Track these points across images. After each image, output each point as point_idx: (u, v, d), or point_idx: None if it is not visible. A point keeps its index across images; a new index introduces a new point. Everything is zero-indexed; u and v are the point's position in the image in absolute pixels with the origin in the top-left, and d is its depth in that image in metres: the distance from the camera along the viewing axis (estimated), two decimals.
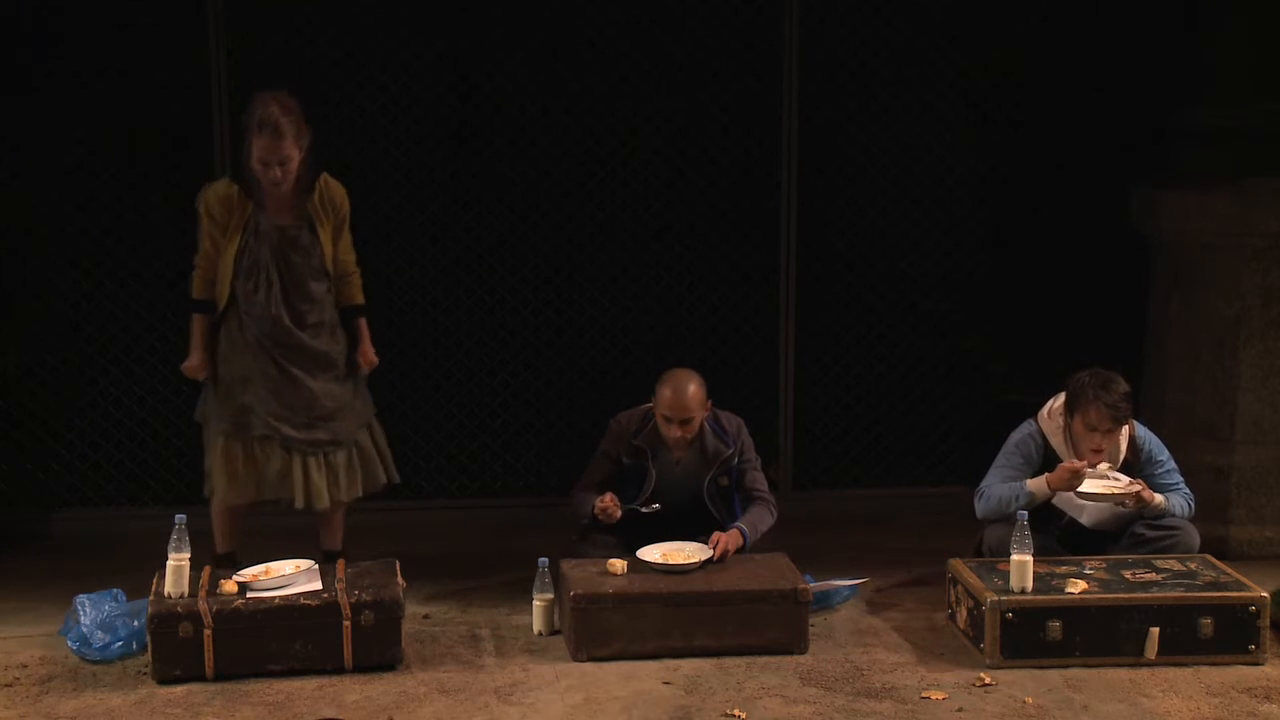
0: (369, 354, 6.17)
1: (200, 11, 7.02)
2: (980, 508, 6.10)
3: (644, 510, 6.02)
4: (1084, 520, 6.07)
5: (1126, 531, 6.06)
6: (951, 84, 7.67)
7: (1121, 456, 6.08)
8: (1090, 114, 7.64)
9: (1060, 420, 6.07)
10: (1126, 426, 6.06)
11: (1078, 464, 5.93)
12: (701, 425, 6.11)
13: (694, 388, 6.06)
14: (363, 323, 6.19)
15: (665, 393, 6.07)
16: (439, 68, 7.34)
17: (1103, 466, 6.00)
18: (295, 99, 5.96)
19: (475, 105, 7.41)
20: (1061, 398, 6.08)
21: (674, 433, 6.05)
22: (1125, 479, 5.99)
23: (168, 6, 7.10)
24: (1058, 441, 6.08)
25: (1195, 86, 7.05)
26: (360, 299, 6.19)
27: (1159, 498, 6.01)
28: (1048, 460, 6.08)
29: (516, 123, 7.44)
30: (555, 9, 7.35)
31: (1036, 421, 6.14)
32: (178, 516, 5.59)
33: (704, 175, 7.58)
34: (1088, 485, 5.95)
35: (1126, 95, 7.57)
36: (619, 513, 6.00)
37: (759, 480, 6.23)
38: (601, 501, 6.00)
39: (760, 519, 6.11)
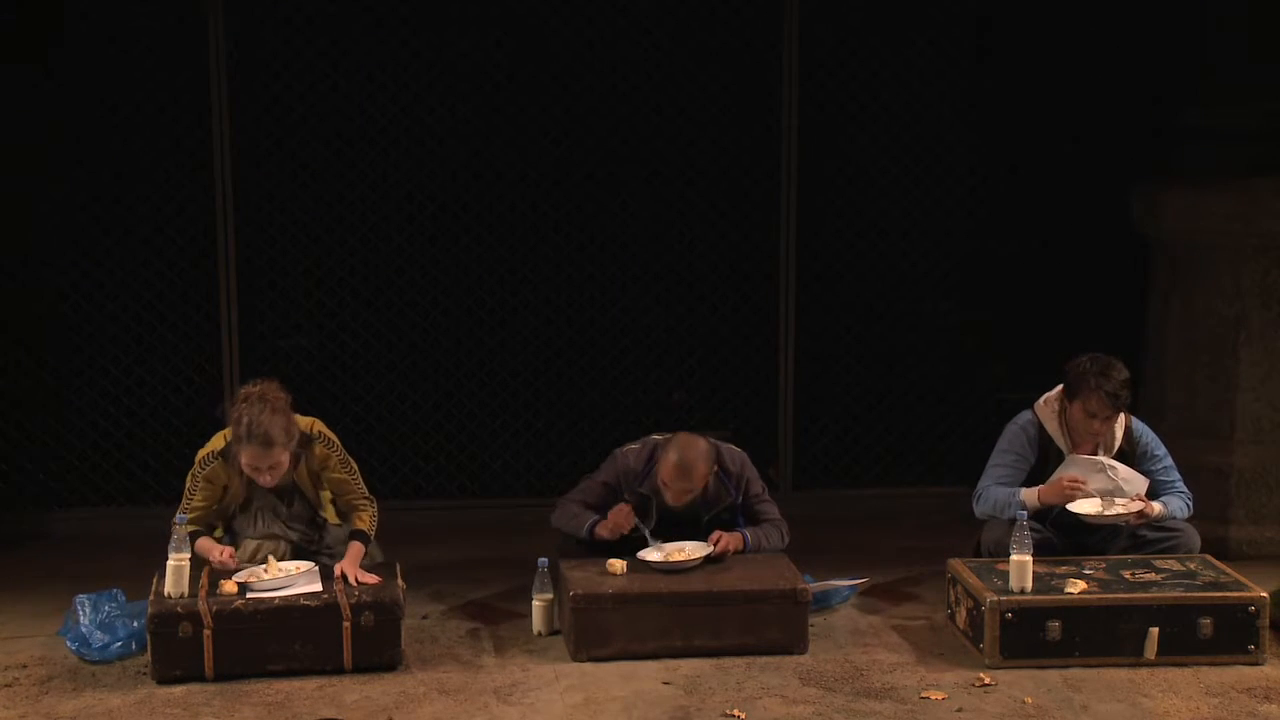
0: (351, 575, 5.65)
1: (200, 12, 7.03)
2: (978, 509, 6.11)
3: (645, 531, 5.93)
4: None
5: (1126, 532, 6.06)
6: (952, 84, 7.67)
7: (1116, 445, 6.07)
8: (1090, 113, 7.64)
9: (1056, 406, 6.08)
10: (1122, 416, 6.07)
11: (1076, 485, 5.93)
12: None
13: (700, 464, 5.83)
14: (357, 546, 5.78)
15: (670, 459, 5.84)
16: (437, 67, 7.35)
17: (1103, 470, 5.99)
18: (283, 389, 5.66)
19: (475, 105, 7.41)
20: (1060, 386, 6.08)
21: (672, 498, 5.88)
22: (1127, 482, 5.98)
23: (167, 7, 7.12)
24: (1053, 428, 6.08)
25: (1195, 86, 7.05)
26: (362, 527, 5.82)
27: (1158, 507, 6.00)
28: (1043, 447, 6.09)
29: (516, 122, 7.44)
30: (555, 8, 7.36)
31: (1033, 409, 6.15)
32: (178, 516, 5.59)
33: (704, 175, 7.59)
34: (1089, 506, 5.94)
35: (1127, 95, 7.57)
36: (630, 526, 5.91)
37: (771, 511, 6.12)
38: (616, 515, 5.88)
39: (768, 535, 6.06)
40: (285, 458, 5.64)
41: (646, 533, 5.92)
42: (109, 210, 7.23)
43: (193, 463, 5.78)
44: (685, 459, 5.83)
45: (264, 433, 5.54)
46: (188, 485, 5.77)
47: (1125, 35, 7.53)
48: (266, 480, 5.65)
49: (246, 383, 5.76)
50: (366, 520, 5.84)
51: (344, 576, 5.63)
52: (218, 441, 5.75)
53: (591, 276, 7.60)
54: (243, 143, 7.20)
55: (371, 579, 5.64)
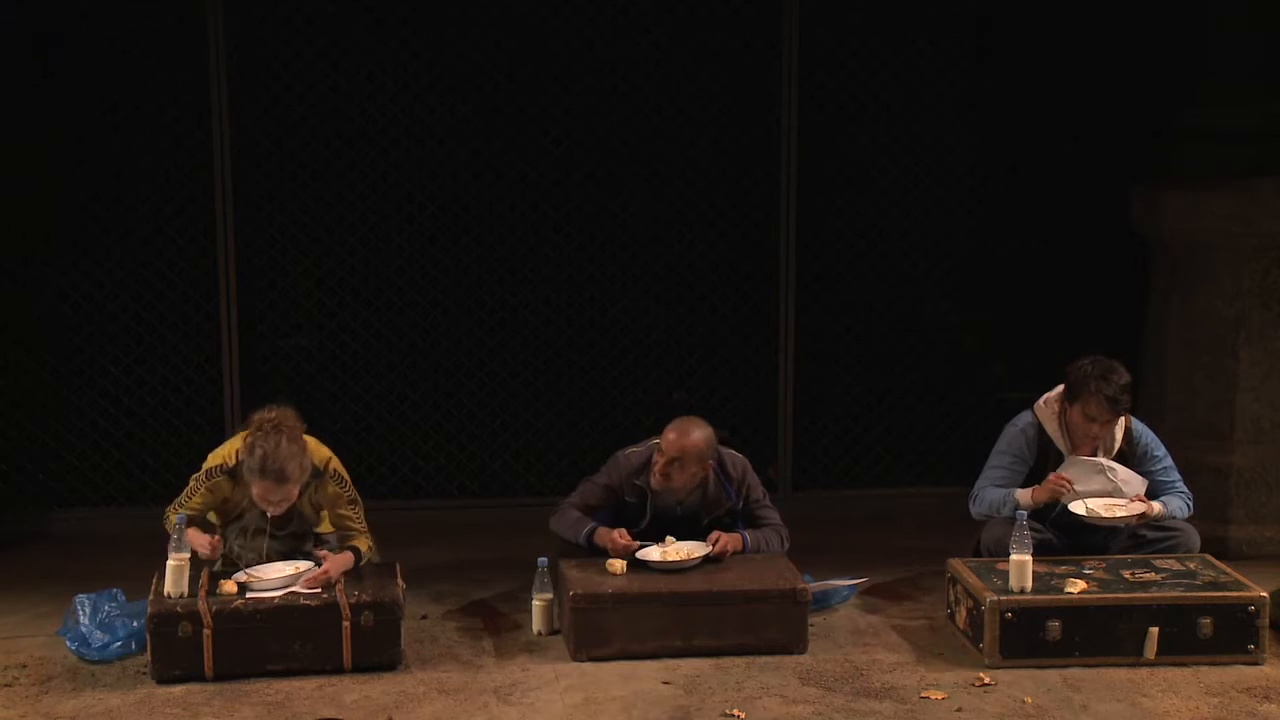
0: (327, 565, 5.64)
1: (200, 12, 7.03)
2: (974, 510, 6.12)
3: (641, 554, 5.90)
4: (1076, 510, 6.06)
5: (1126, 532, 6.06)
6: (952, 84, 7.68)
7: (1116, 446, 6.08)
8: (1091, 113, 7.64)
9: (1056, 407, 6.08)
10: (1122, 417, 6.07)
11: (1063, 487, 5.94)
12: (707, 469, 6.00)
13: (696, 432, 5.88)
14: (349, 556, 5.71)
15: (669, 433, 5.91)
16: (437, 67, 7.34)
17: (1102, 468, 6.00)
18: (298, 417, 5.62)
19: (475, 105, 7.41)
20: (1060, 386, 6.08)
21: (665, 475, 5.89)
22: (1126, 483, 5.98)
23: (167, 7, 7.12)
24: (1052, 429, 6.08)
25: (1195, 86, 7.05)
26: (361, 547, 5.77)
27: (1158, 507, 6.01)
28: (1042, 448, 6.09)
29: (516, 122, 7.44)
30: (555, 8, 7.36)
31: (1032, 410, 6.15)
32: (178, 516, 5.59)
33: (704, 175, 7.59)
34: (1089, 508, 5.94)
35: (1127, 95, 7.58)
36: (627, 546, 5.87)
37: (771, 516, 6.13)
38: (619, 540, 5.84)
39: (768, 538, 6.06)
40: (297, 491, 5.61)
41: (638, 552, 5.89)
42: (109, 210, 7.23)
43: (194, 458, 5.76)
44: (682, 427, 5.89)
45: (279, 468, 5.48)
46: (190, 485, 5.75)
47: (1125, 35, 7.53)
48: (274, 511, 5.62)
49: (261, 409, 5.65)
50: (364, 546, 5.80)
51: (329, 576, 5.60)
52: (230, 454, 5.67)
53: (591, 276, 7.60)
54: (243, 143, 7.20)
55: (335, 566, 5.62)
